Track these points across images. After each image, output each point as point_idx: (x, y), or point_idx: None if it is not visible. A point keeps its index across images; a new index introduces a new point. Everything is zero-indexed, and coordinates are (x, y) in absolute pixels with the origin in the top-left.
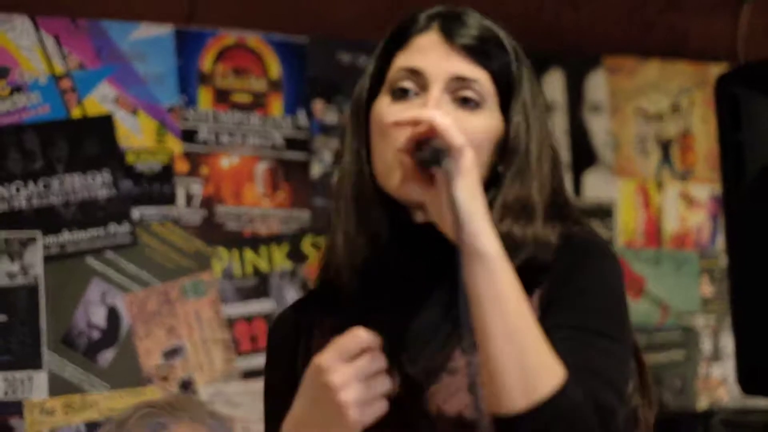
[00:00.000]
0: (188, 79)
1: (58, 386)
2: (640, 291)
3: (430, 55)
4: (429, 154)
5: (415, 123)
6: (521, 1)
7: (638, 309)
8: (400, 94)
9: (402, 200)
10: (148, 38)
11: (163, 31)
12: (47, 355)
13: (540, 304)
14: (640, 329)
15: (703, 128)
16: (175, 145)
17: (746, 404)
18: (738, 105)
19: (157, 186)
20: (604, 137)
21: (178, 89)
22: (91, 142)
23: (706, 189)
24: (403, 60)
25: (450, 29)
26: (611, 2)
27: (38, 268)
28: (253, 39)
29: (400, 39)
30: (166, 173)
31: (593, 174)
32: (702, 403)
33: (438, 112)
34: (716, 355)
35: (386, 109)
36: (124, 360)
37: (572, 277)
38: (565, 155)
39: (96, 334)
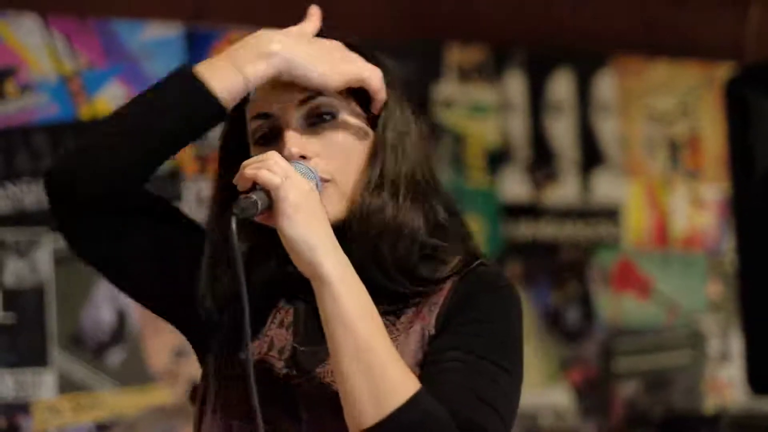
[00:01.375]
0: None
1: (67, 385)
2: (647, 292)
3: (268, 95)
4: (241, 208)
5: (241, 182)
6: (529, 1)
7: (646, 310)
8: (260, 140)
9: None
10: (156, 38)
11: (171, 30)
12: (55, 354)
13: (436, 322)
14: (648, 330)
15: (711, 128)
16: None
17: (754, 406)
18: (747, 106)
19: (166, 186)
20: (612, 137)
21: None
22: None
23: (714, 189)
24: (250, 112)
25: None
26: (619, 2)
27: (47, 268)
28: None
29: (244, 99)
30: (175, 173)
31: (601, 174)
32: (709, 405)
33: (250, 161)
34: (724, 357)
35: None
36: (132, 359)
37: (473, 305)
38: (573, 155)
39: (104, 334)
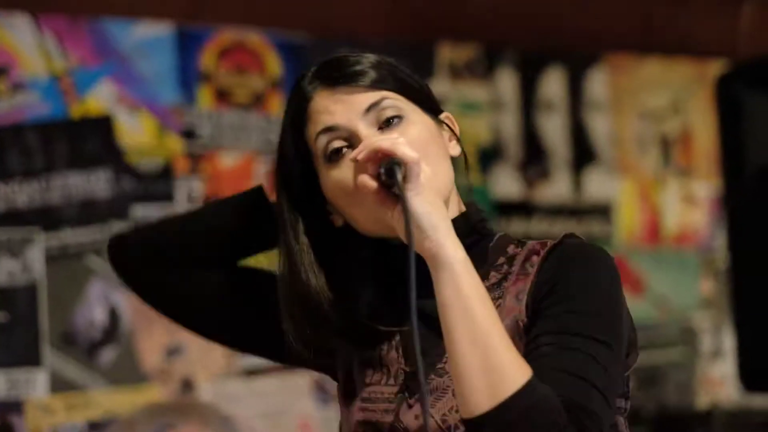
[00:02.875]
0: (188, 78)
1: (59, 385)
2: (639, 289)
3: (331, 108)
4: (384, 171)
5: (368, 157)
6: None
7: (638, 307)
8: (335, 155)
9: (392, 236)
10: (148, 37)
11: (163, 29)
12: (48, 353)
13: (526, 306)
14: (640, 328)
15: (703, 126)
16: (175, 144)
17: (746, 402)
18: (738, 103)
19: (158, 185)
20: (604, 135)
21: (178, 88)
22: (92, 140)
23: (706, 187)
24: (313, 129)
25: (332, 79)
26: (611, 0)
27: (39, 267)
28: (254, 38)
29: (299, 117)
30: (167, 172)
31: (593, 172)
32: (702, 401)
33: (383, 137)
34: (716, 353)
35: (334, 173)
36: (125, 358)
37: (561, 283)
38: (565, 153)
39: (96, 333)
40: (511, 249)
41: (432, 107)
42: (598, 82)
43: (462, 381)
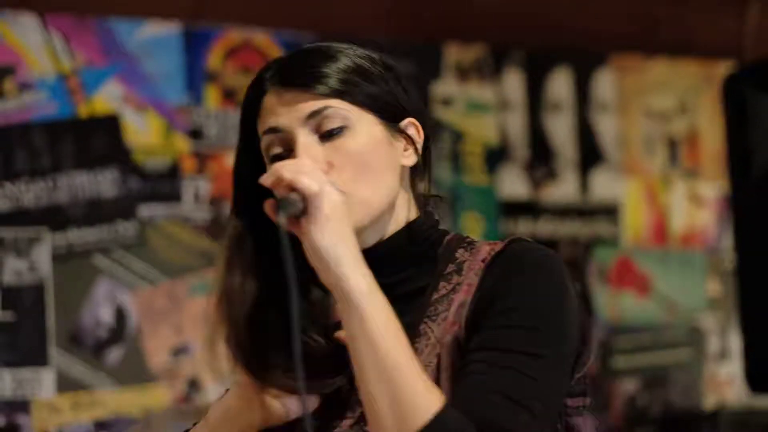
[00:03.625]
0: (195, 78)
1: (66, 384)
2: (646, 290)
3: (276, 109)
4: (279, 208)
5: (273, 185)
6: (528, 0)
7: (645, 308)
8: (275, 161)
9: None
10: (155, 36)
11: (170, 29)
12: (54, 353)
13: (466, 322)
14: (647, 328)
15: (710, 127)
16: (182, 144)
17: (753, 403)
18: (745, 104)
19: (165, 184)
20: (611, 136)
21: (185, 87)
22: (99, 140)
23: (713, 187)
24: (261, 126)
25: (285, 79)
26: (618, 1)
27: (45, 266)
28: (261, 37)
29: (253, 109)
30: (174, 171)
31: (600, 173)
32: (708, 402)
33: (288, 164)
34: (723, 354)
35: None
36: (132, 358)
37: (497, 297)
38: (572, 153)
39: (103, 332)
40: (459, 254)
41: (392, 115)
42: (604, 83)
43: (371, 415)
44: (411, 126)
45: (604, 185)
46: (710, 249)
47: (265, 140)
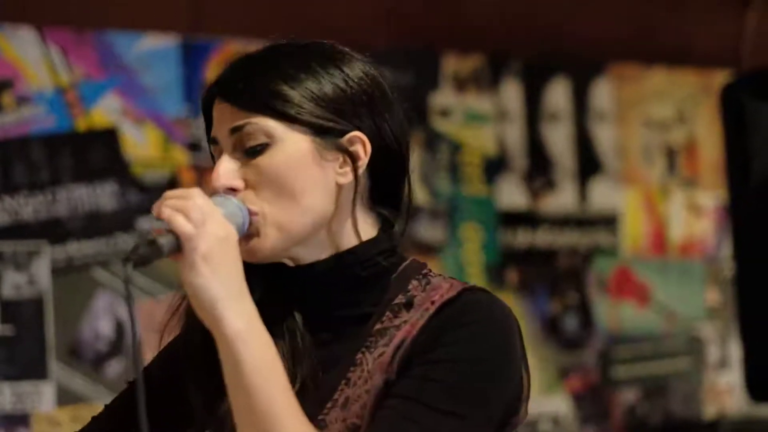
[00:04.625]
0: (194, 90)
1: (66, 397)
2: (645, 299)
3: (216, 121)
4: (139, 255)
5: (157, 216)
6: (525, 8)
7: (644, 317)
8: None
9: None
10: (153, 49)
11: (168, 41)
12: (54, 366)
13: (398, 365)
14: (646, 337)
15: (708, 136)
16: (180, 156)
17: (753, 412)
18: (743, 113)
19: None
20: (609, 145)
21: (183, 100)
22: (97, 153)
23: (711, 196)
24: (210, 135)
25: (223, 88)
26: (615, 10)
27: (45, 280)
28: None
29: (207, 112)
30: (172, 184)
31: (599, 182)
32: (708, 411)
33: (173, 196)
34: (722, 364)
35: None
36: (131, 371)
37: (431, 347)
38: (570, 163)
39: (103, 346)
40: (413, 285)
41: (327, 130)
42: (603, 93)
43: None
44: (356, 141)
45: (603, 195)
46: (709, 258)
47: (211, 149)
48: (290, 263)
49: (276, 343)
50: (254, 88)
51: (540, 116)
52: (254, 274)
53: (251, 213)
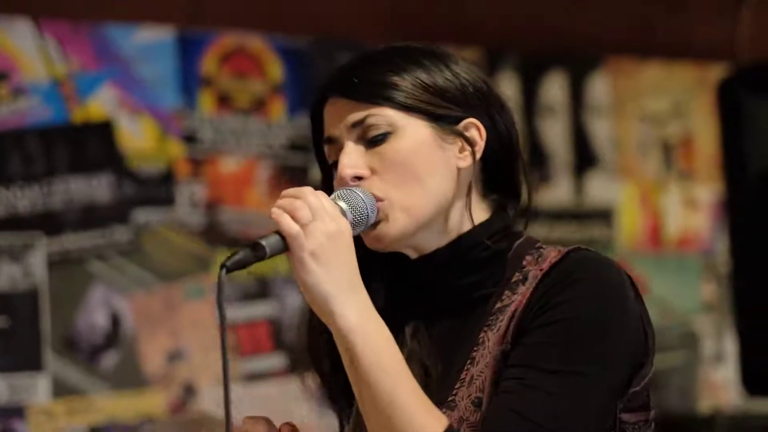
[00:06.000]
0: (190, 83)
1: (61, 389)
2: (641, 293)
3: (330, 119)
4: (235, 261)
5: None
6: (522, 2)
7: None
8: (335, 167)
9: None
10: (149, 41)
11: (164, 34)
12: (50, 358)
13: (513, 335)
14: None
15: (705, 130)
16: (176, 149)
17: (748, 407)
18: (740, 107)
19: (159, 189)
20: (606, 139)
21: (179, 92)
22: (93, 145)
23: (708, 191)
24: (323, 135)
25: (334, 86)
26: (612, 4)
27: (40, 272)
28: (255, 42)
29: (317, 117)
30: (168, 176)
31: (595, 176)
32: (704, 406)
33: (286, 195)
34: (718, 358)
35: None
36: (127, 363)
37: (544, 309)
38: (566, 157)
39: (98, 338)
40: (527, 261)
41: (444, 116)
42: (599, 86)
43: None
44: (471, 127)
45: (599, 189)
46: (705, 252)
47: (325, 149)
48: (413, 254)
49: (397, 335)
50: (370, 81)
51: (536, 110)
52: (377, 270)
53: (378, 199)
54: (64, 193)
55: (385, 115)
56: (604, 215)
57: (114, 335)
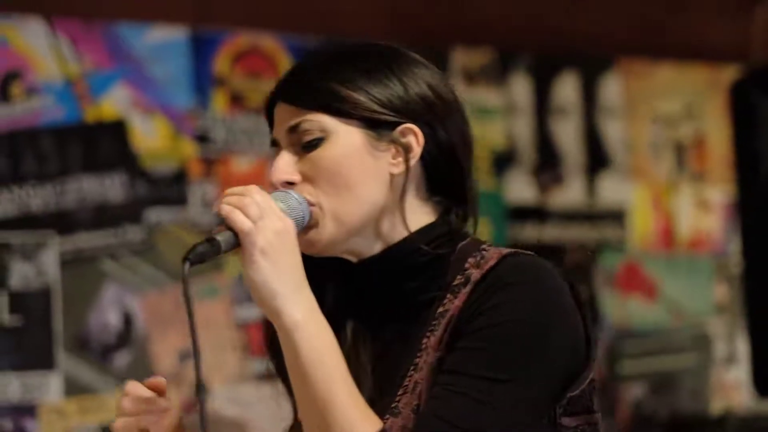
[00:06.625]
0: (203, 82)
1: (73, 388)
2: (653, 295)
3: (276, 123)
4: (197, 253)
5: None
6: (534, 3)
7: (652, 312)
8: None
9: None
10: (162, 40)
11: (176, 33)
12: (62, 357)
13: (447, 341)
14: (654, 332)
15: (717, 131)
16: (189, 148)
17: (760, 408)
18: (752, 108)
19: (172, 188)
20: (618, 140)
21: (192, 92)
22: (106, 144)
23: (720, 192)
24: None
25: (279, 91)
26: (624, 5)
27: (53, 271)
28: (268, 42)
29: (269, 118)
30: (181, 176)
31: (607, 177)
32: (715, 407)
33: (233, 193)
34: (730, 359)
35: None
36: (138, 362)
37: (474, 316)
38: (579, 158)
39: (110, 336)
40: (469, 264)
41: (380, 123)
42: (611, 87)
43: None
44: (408, 133)
45: (611, 190)
46: (717, 254)
47: (273, 152)
48: (352, 258)
49: (343, 337)
50: (309, 87)
51: (549, 111)
52: (324, 272)
53: (310, 204)
54: (77, 193)
55: (318, 121)
56: (616, 216)
57: (126, 334)
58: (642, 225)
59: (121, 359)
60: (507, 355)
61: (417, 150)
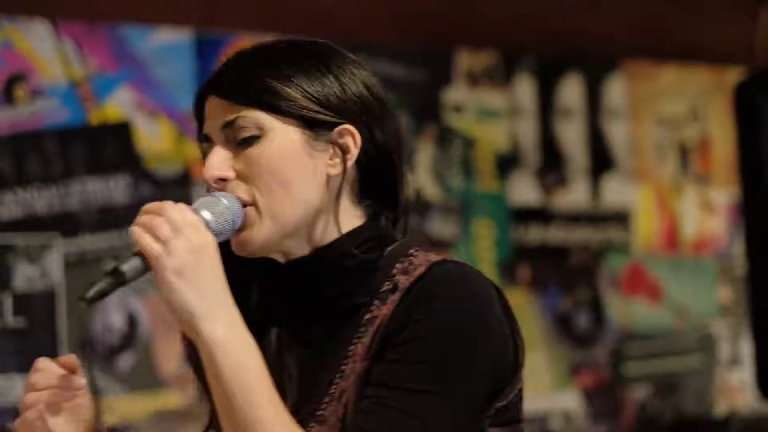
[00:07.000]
0: None
1: None
2: (657, 296)
3: (208, 118)
4: (97, 291)
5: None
6: (538, 5)
7: (656, 314)
8: None
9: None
10: (166, 43)
11: (181, 35)
12: None
13: (374, 352)
14: (658, 334)
15: (721, 133)
16: (194, 151)
17: (764, 410)
18: (757, 110)
19: (176, 191)
20: (622, 142)
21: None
22: (110, 146)
23: (724, 194)
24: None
25: (212, 85)
26: (629, 6)
27: (57, 273)
28: None
29: (199, 112)
30: (185, 178)
31: (611, 179)
32: (719, 409)
33: (147, 211)
34: (734, 361)
35: None
36: (143, 364)
37: (400, 328)
38: (583, 160)
39: (115, 339)
40: (396, 270)
41: (317, 122)
42: (616, 89)
43: None
44: (346, 134)
45: (616, 192)
46: (722, 256)
47: (204, 147)
48: (281, 259)
49: (264, 347)
50: (246, 82)
51: (553, 112)
52: (247, 275)
53: (243, 203)
54: (81, 194)
55: (255, 118)
56: (620, 218)
57: (130, 336)
58: (646, 227)
59: (126, 361)
60: (433, 368)
61: (354, 151)
